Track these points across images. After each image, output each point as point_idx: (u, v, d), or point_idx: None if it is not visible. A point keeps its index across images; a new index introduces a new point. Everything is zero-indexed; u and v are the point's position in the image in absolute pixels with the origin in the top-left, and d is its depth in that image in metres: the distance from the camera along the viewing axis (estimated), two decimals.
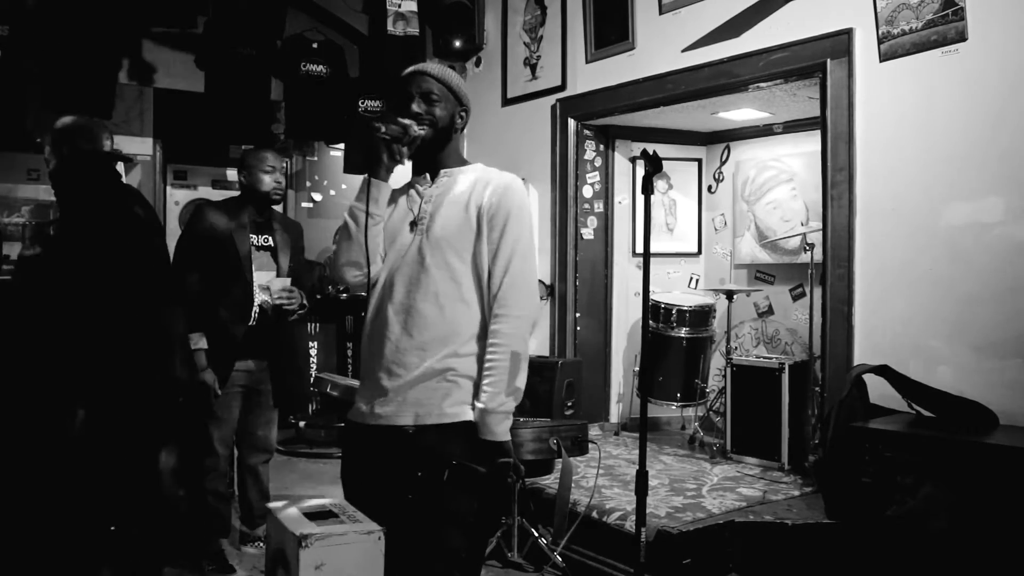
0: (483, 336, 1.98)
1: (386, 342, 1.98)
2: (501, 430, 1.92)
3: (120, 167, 4.91)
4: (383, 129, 1.94)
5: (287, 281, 3.30)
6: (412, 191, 2.07)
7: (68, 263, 2.78)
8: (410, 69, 2.07)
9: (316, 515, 2.82)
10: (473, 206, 1.98)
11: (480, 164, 2.10)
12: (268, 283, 3.25)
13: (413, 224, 2.01)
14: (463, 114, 2.07)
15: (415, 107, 2.00)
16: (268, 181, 3.27)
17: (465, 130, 2.14)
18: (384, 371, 1.97)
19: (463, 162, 2.10)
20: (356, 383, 3.12)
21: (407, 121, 1.97)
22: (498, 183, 2.00)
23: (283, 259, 3.35)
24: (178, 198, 6.53)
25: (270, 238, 3.35)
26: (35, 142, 5.31)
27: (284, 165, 3.37)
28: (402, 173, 2.09)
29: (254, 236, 3.29)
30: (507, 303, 1.94)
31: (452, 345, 1.95)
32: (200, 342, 3.12)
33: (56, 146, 2.87)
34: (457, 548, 1.96)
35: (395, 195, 2.09)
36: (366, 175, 2.00)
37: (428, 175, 2.06)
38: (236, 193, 3.46)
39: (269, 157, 3.29)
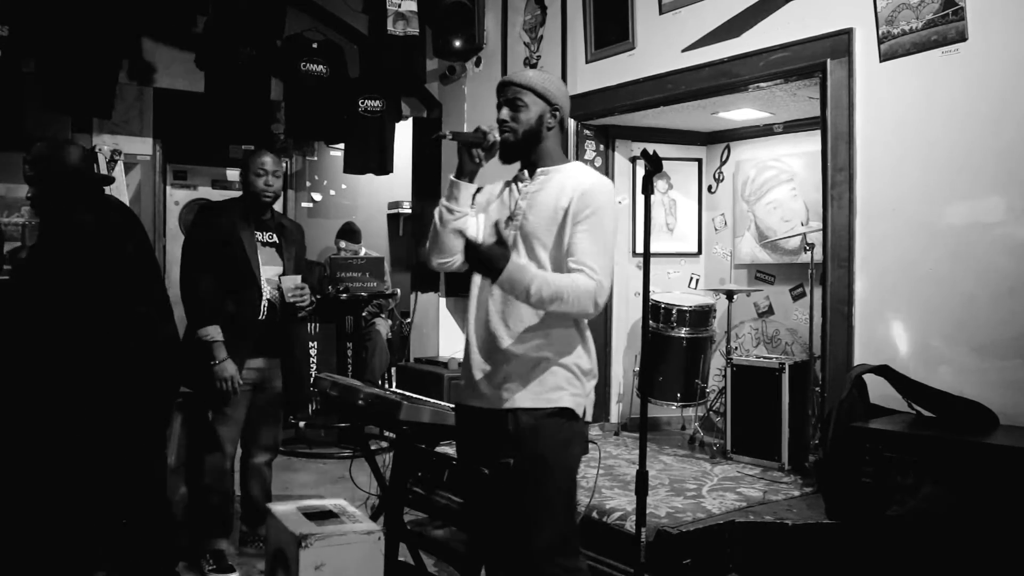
0: (574, 327, 2.14)
1: (486, 331, 2.15)
2: (500, 266, 1.97)
3: (120, 167, 4.93)
4: (448, 135, 2.16)
5: (298, 279, 3.37)
6: (512, 187, 2.24)
7: (38, 282, 2.81)
8: (500, 80, 2.25)
9: (316, 515, 2.83)
10: (561, 207, 2.10)
11: (577, 163, 2.25)
12: (280, 281, 3.32)
13: (509, 219, 2.18)
14: (555, 113, 2.20)
15: (501, 115, 2.19)
16: (258, 183, 3.31)
17: (563, 127, 2.25)
18: (486, 357, 2.15)
19: (561, 160, 2.23)
20: (356, 383, 3.14)
21: (486, 128, 2.16)
22: (586, 185, 2.11)
23: (288, 255, 3.42)
24: (178, 198, 6.54)
25: (274, 235, 3.41)
26: (35, 142, 5.31)
27: (281, 167, 3.44)
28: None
29: (259, 233, 3.35)
30: (583, 264, 2.03)
31: (545, 335, 2.10)
32: (216, 335, 3.15)
33: (36, 170, 2.92)
34: (546, 533, 2.07)
35: (500, 191, 2.27)
36: (451, 175, 2.20)
37: (527, 172, 2.22)
38: (236, 193, 3.52)
39: (265, 161, 3.33)
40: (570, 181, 2.14)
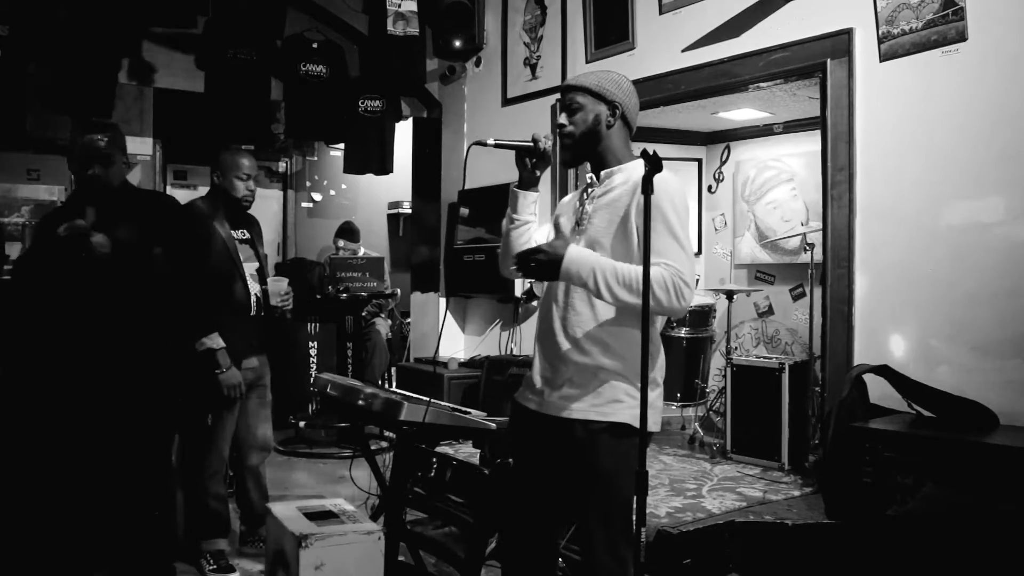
0: (635, 338, 2.03)
1: (549, 336, 2.13)
2: (570, 258, 1.94)
3: None
4: (490, 142, 2.16)
5: (284, 283, 3.39)
6: (584, 193, 2.20)
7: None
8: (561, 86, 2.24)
9: (316, 515, 2.83)
10: (622, 207, 2.06)
11: (638, 164, 2.14)
12: (269, 285, 3.35)
13: (577, 224, 2.15)
14: (614, 110, 2.16)
15: (560, 119, 2.18)
16: (241, 188, 3.30)
17: (627, 123, 2.21)
18: (547, 362, 2.13)
19: (628, 158, 2.18)
20: (356, 383, 3.14)
21: (538, 135, 2.17)
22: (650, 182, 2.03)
23: (260, 251, 3.42)
24: (178, 198, 6.54)
25: (245, 231, 3.40)
26: (35, 142, 5.32)
27: (257, 169, 3.41)
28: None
29: (234, 231, 3.33)
30: (662, 257, 1.94)
31: (604, 344, 2.06)
32: (217, 341, 3.11)
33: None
34: (615, 538, 2.08)
35: (575, 198, 2.24)
36: (512, 185, 2.21)
37: (595, 176, 2.18)
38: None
39: (245, 164, 3.30)
40: (630, 178, 2.08)
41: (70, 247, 2.65)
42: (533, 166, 2.19)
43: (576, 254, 1.96)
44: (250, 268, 3.33)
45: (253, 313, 3.30)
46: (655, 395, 2.14)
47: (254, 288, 3.31)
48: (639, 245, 2.00)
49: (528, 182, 2.21)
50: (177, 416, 3.24)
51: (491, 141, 2.18)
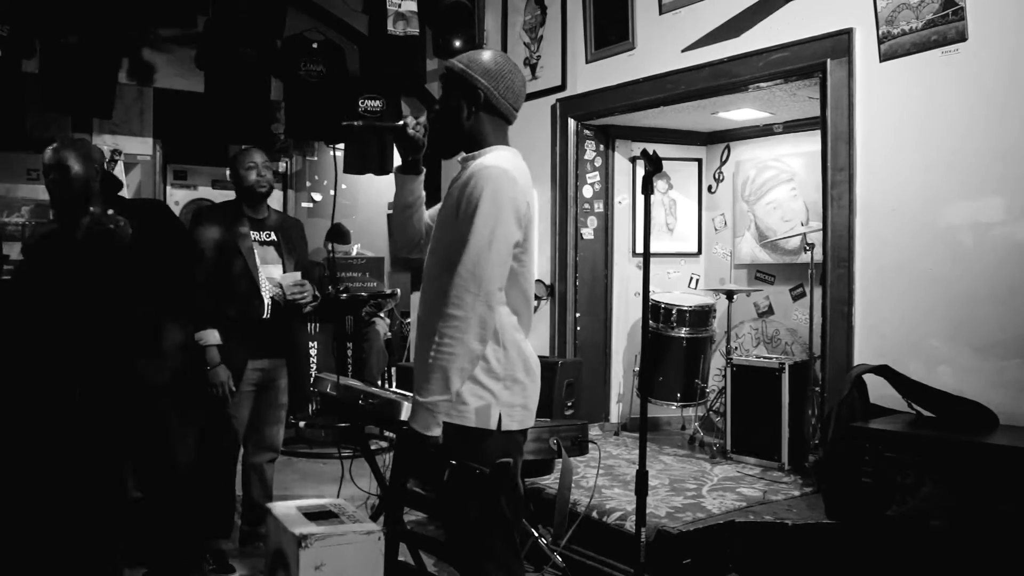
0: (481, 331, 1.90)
1: (418, 340, 2.03)
2: (421, 424, 1.84)
3: (120, 167, 4.94)
4: (356, 123, 2.08)
5: (298, 275, 3.36)
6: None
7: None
8: None
9: (316, 515, 2.83)
10: (456, 197, 1.93)
11: (493, 150, 1.99)
12: (279, 279, 3.32)
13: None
14: (475, 96, 1.97)
15: (436, 106, 2.06)
16: (250, 176, 3.31)
17: (494, 109, 2.00)
18: (417, 366, 1.98)
19: (484, 146, 2.01)
20: (356, 383, 3.14)
21: (406, 120, 2.03)
22: (473, 171, 1.91)
23: (288, 253, 3.41)
24: (178, 198, 6.54)
25: (272, 234, 3.40)
26: (35, 142, 5.31)
27: (269, 162, 3.42)
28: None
29: (255, 233, 3.34)
30: (449, 301, 1.82)
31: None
32: (211, 338, 3.13)
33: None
34: (462, 547, 1.99)
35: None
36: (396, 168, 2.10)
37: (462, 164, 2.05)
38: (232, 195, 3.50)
39: (252, 155, 3.35)
40: (469, 169, 1.94)
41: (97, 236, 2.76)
42: (407, 150, 2.05)
43: (415, 418, 1.86)
44: (270, 271, 3.32)
45: (266, 316, 3.27)
46: (510, 391, 1.94)
47: (269, 291, 3.29)
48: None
49: (411, 167, 2.07)
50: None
51: (356, 122, 2.09)
